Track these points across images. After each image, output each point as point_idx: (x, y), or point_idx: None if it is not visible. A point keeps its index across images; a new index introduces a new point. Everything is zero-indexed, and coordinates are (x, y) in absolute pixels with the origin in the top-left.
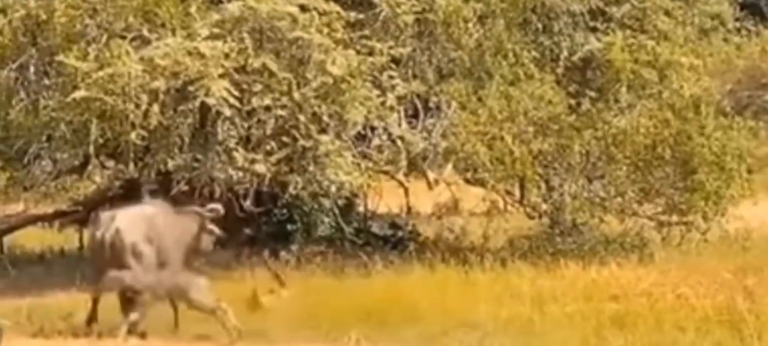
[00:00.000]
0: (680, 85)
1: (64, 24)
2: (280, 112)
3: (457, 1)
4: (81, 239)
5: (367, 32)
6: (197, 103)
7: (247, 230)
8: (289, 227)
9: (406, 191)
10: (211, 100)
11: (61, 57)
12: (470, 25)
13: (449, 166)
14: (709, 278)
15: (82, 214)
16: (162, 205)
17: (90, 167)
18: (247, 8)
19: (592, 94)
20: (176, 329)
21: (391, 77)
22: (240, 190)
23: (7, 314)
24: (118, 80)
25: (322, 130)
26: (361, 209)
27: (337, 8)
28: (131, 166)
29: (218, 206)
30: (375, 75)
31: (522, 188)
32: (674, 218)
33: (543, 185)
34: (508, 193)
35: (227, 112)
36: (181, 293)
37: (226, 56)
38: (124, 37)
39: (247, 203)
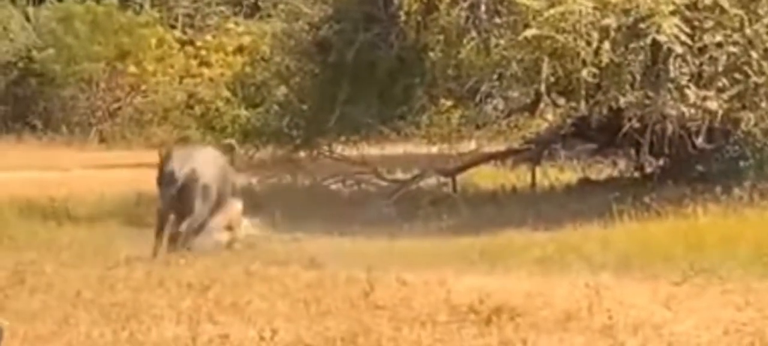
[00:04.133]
0: None
1: None
2: (731, 48)
3: None
4: (533, 177)
5: None
6: (648, 41)
7: (699, 167)
8: (741, 163)
9: None
10: (662, 38)
11: None
12: None
13: None
14: None
15: (535, 152)
16: None
17: (542, 105)
18: None
19: None
20: None
21: None
22: (692, 127)
23: (459, 252)
24: (569, 18)
25: None
26: None
27: None
28: (582, 103)
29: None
30: None
31: None
32: None
33: None
34: None
35: (678, 49)
36: None
37: None
38: None
39: (699, 140)
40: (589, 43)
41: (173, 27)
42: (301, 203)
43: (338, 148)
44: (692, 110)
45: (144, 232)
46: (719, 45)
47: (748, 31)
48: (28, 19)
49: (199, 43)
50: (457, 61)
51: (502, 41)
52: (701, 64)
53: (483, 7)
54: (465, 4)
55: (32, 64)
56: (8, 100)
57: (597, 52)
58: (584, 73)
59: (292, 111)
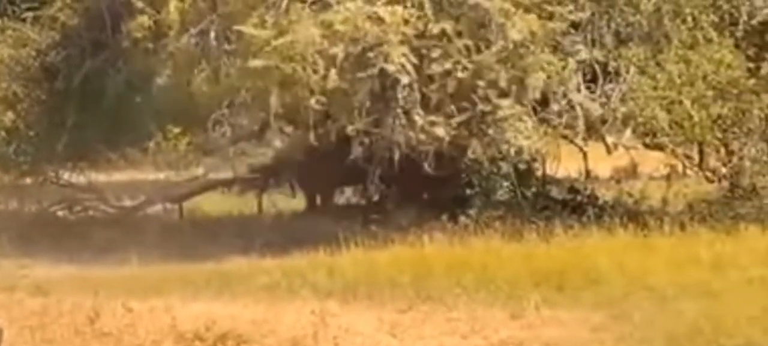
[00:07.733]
0: None
1: None
2: (460, 74)
3: None
4: (260, 205)
5: None
6: (376, 70)
7: (426, 195)
8: (467, 191)
9: (585, 155)
10: (390, 67)
11: (239, 27)
12: None
13: (628, 131)
14: None
15: (262, 179)
16: None
17: (269, 133)
18: None
19: None
20: None
21: (570, 42)
22: (420, 153)
23: (185, 279)
24: (296, 46)
25: (502, 95)
26: (539, 173)
27: None
28: (311, 131)
29: None
30: (555, 40)
31: (701, 152)
32: None
33: (722, 149)
34: (687, 157)
35: (405, 80)
36: None
37: (406, 22)
38: (304, 1)
39: (427, 167)
40: (316, 72)
41: None
42: (27, 230)
43: (65, 175)
44: (420, 136)
45: None
46: (447, 73)
47: (476, 58)
48: None
49: None
50: (186, 88)
51: (231, 69)
52: (429, 91)
53: (213, 35)
54: (194, 31)
55: None
56: None
57: (324, 80)
58: (312, 101)
59: (18, 137)
